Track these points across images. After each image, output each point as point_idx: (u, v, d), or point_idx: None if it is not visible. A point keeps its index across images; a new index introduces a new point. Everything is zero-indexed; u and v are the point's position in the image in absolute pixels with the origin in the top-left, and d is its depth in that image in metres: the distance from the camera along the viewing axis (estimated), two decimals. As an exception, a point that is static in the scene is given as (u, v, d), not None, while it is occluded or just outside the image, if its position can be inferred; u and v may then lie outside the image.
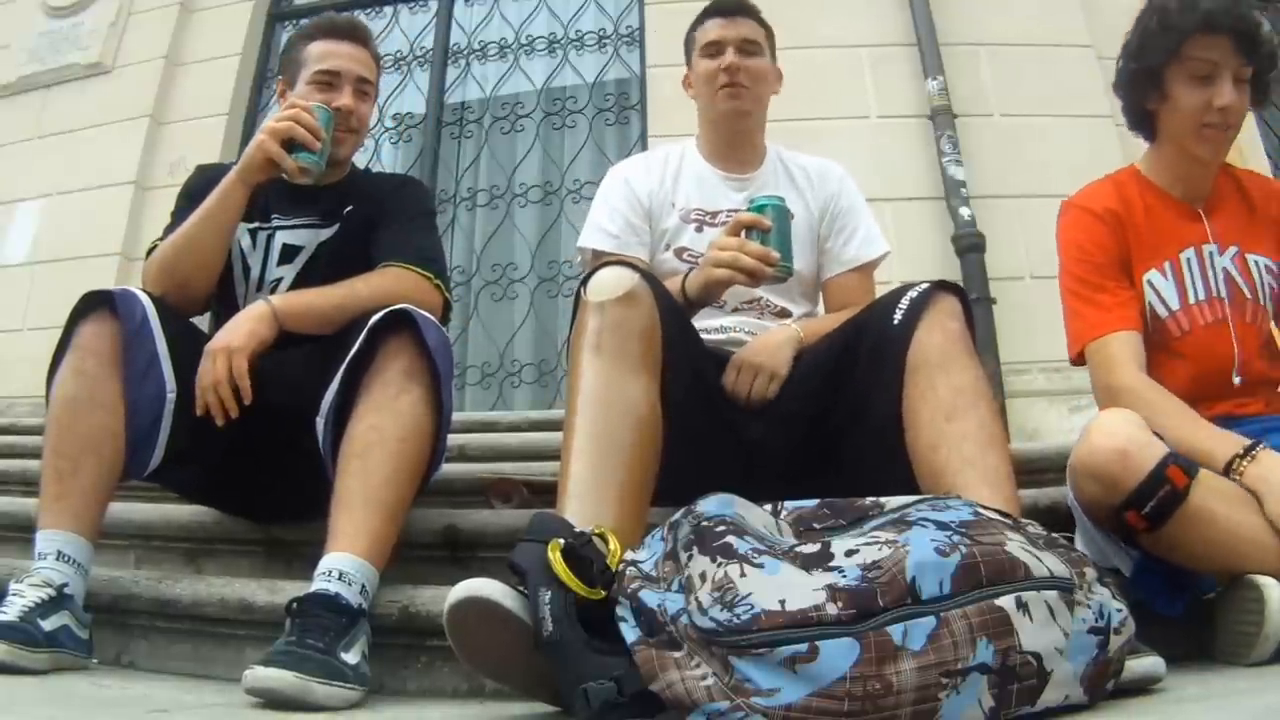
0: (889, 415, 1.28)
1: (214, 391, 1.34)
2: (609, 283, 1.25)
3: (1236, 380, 1.45)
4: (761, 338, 1.49)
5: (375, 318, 1.33)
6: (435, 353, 1.32)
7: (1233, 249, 1.49)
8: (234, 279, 1.60)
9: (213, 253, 1.51)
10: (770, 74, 1.71)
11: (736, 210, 1.61)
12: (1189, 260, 1.49)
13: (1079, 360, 1.49)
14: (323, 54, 1.63)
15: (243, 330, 1.38)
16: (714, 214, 1.65)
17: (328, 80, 1.61)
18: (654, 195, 1.66)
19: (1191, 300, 1.48)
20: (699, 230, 1.64)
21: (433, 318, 1.36)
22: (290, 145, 1.46)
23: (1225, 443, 1.27)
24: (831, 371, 1.40)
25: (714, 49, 1.66)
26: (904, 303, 1.31)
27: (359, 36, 1.69)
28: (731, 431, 1.42)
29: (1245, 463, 1.23)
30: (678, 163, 1.71)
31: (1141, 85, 1.48)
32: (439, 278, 1.55)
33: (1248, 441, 1.26)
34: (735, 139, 1.70)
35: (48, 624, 1.19)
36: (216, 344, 1.37)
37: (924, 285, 1.33)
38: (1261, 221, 1.53)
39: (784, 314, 1.63)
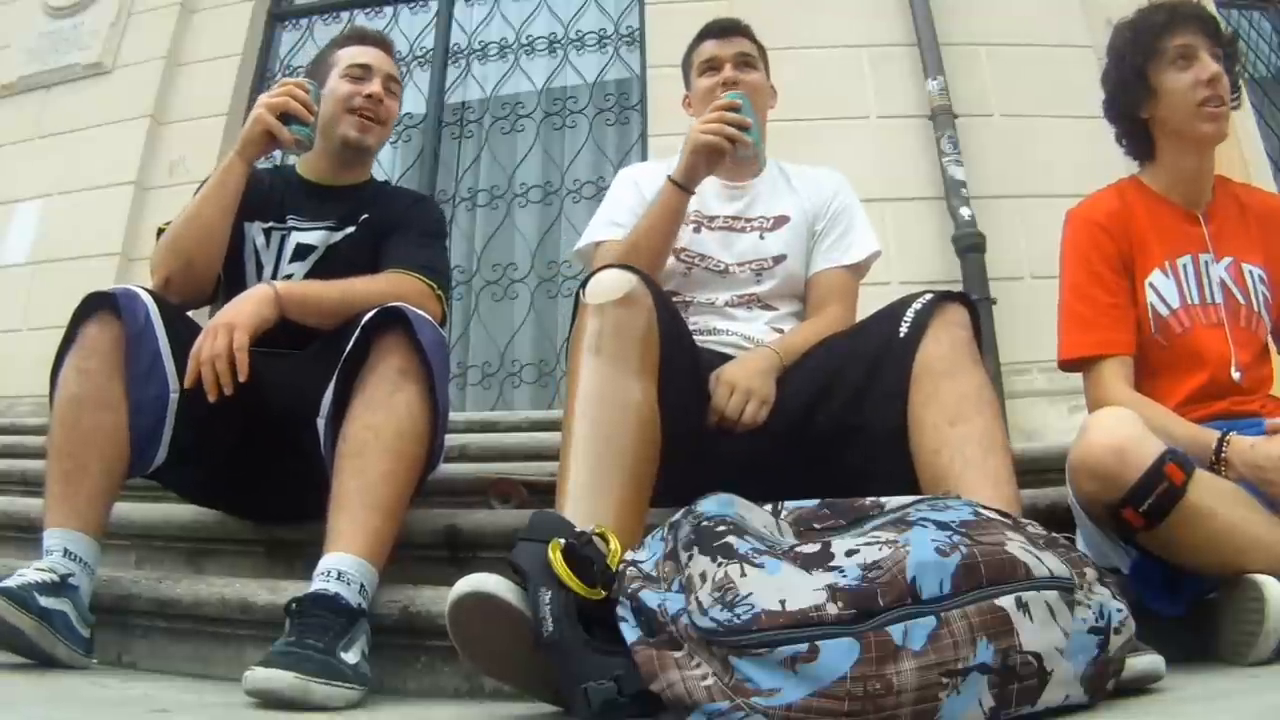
0: (890, 426, 1.30)
1: (210, 366, 1.32)
2: (608, 285, 1.26)
3: (1236, 375, 1.47)
4: (744, 360, 1.49)
5: (367, 315, 1.34)
6: (429, 351, 1.32)
7: (1229, 259, 1.53)
8: (246, 276, 1.62)
9: (216, 229, 1.53)
10: (766, 89, 1.76)
11: (731, 216, 1.69)
12: (1185, 266, 1.52)
13: (1066, 365, 1.54)
14: (356, 53, 1.73)
15: (246, 309, 1.38)
16: (711, 218, 1.69)
17: (360, 74, 1.70)
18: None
19: (1190, 301, 1.50)
20: (696, 231, 1.66)
21: (427, 316, 1.37)
22: (285, 119, 1.52)
23: (1205, 438, 1.30)
24: (830, 379, 1.41)
25: (711, 66, 1.73)
26: (909, 315, 1.33)
27: (387, 46, 1.80)
28: (724, 432, 1.43)
29: (1226, 449, 1.27)
30: None
31: (1131, 92, 1.54)
32: (441, 289, 1.57)
33: (1218, 433, 1.29)
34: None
35: (44, 601, 1.19)
36: (219, 320, 1.37)
37: (928, 296, 1.35)
38: (1257, 234, 1.56)
39: (768, 308, 1.64)
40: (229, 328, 1.35)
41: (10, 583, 1.18)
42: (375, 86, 1.68)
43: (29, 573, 1.22)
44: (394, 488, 1.27)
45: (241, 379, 1.33)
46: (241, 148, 1.53)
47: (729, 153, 1.51)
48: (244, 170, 1.54)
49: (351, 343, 1.33)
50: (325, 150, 1.69)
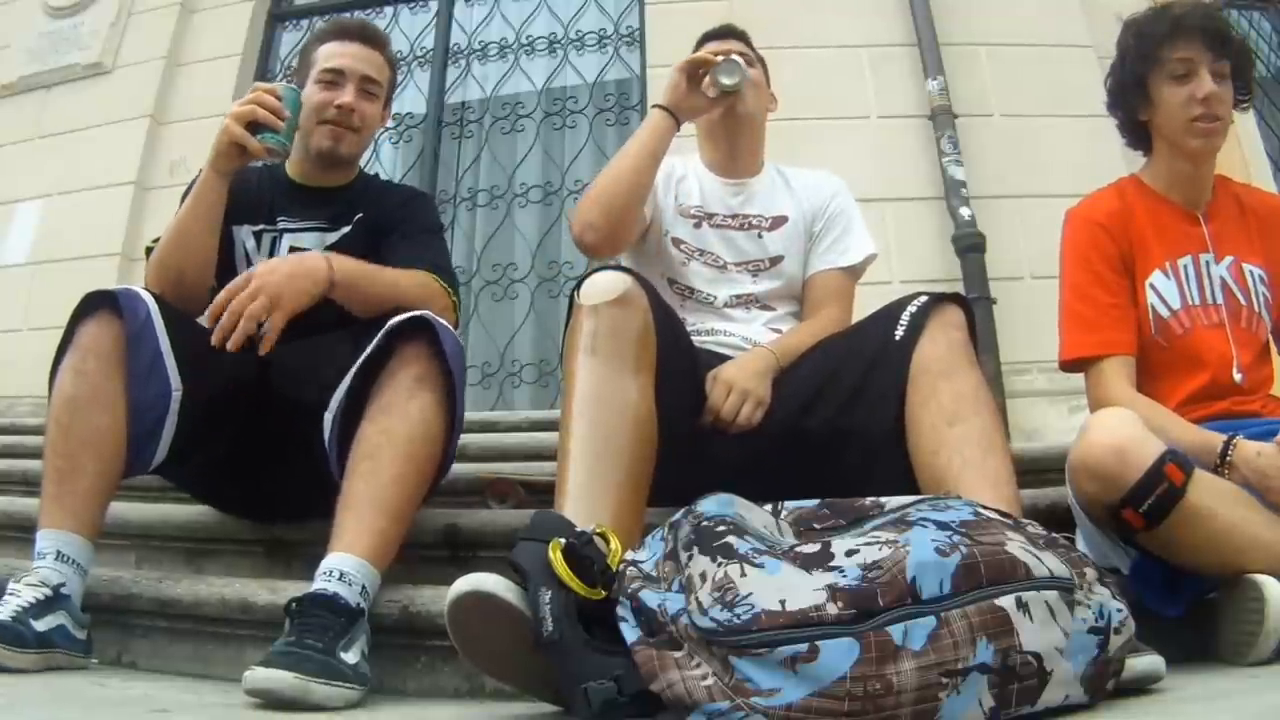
0: (886, 428, 1.30)
1: (236, 320, 1.31)
2: (602, 286, 1.26)
3: (1238, 377, 1.47)
4: (741, 361, 1.50)
5: (393, 321, 1.33)
6: (450, 360, 1.32)
7: (1229, 258, 1.53)
8: None
9: (201, 244, 1.50)
10: (765, 88, 1.77)
11: (732, 214, 1.70)
12: (1186, 267, 1.52)
13: (1068, 365, 1.54)
14: (330, 54, 1.66)
15: (297, 287, 1.36)
16: (711, 215, 1.70)
17: (331, 79, 1.64)
18: (660, 185, 1.69)
19: (1191, 302, 1.51)
20: (697, 226, 1.68)
21: (448, 325, 1.37)
22: (256, 128, 1.46)
23: (1211, 441, 1.29)
24: (826, 381, 1.42)
25: None
26: (905, 316, 1.34)
27: (369, 37, 1.70)
28: (719, 432, 1.43)
29: (1231, 453, 1.26)
30: (683, 168, 1.76)
31: (1130, 97, 1.55)
32: (454, 291, 1.58)
33: (1224, 437, 1.29)
34: (734, 149, 1.73)
35: (41, 624, 1.19)
36: (268, 280, 1.34)
37: (923, 298, 1.36)
38: (1257, 233, 1.57)
39: (766, 308, 1.65)
40: (275, 301, 1.33)
41: (4, 614, 1.17)
42: (347, 96, 1.62)
43: (22, 591, 1.21)
44: (404, 491, 1.27)
45: (262, 352, 1.34)
46: (213, 160, 1.48)
47: (712, 66, 1.56)
48: (219, 183, 1.49)
49: (374, 345, 1.33)
50: (305, 155, 1.65)
